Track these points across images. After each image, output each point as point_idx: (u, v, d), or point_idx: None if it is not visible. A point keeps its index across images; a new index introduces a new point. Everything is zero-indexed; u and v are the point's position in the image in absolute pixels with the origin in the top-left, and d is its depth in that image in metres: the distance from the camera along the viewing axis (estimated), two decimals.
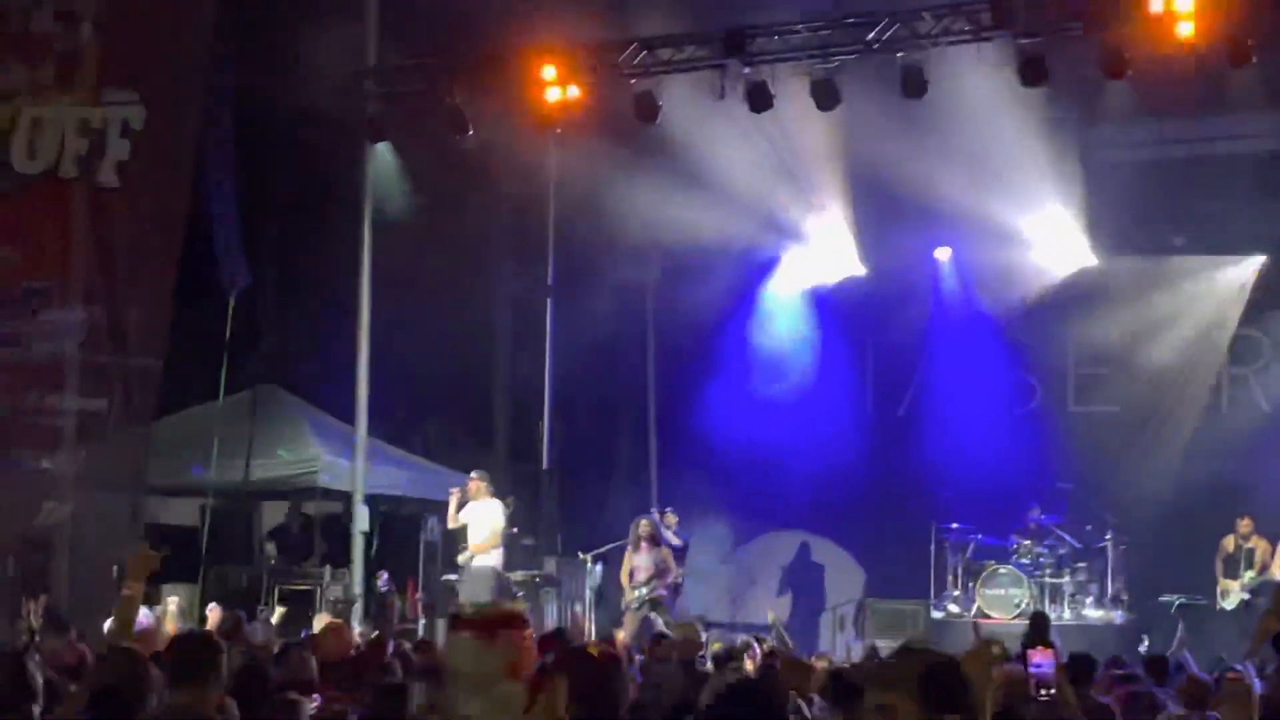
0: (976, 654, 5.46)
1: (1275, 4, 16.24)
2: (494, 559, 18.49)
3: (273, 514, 20.78)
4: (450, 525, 18.93)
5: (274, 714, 6.72)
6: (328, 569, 18.88)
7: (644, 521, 19.03)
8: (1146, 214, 20.25)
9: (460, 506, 18.64)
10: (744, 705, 7.09)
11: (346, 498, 19.79)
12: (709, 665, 11.57)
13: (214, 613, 14.97)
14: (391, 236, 19.94)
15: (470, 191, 21.29)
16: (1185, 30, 16.03)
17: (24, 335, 18.18)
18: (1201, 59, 16.50)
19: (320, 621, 14.27)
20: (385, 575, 19.23)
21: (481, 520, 18.51)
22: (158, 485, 19.24)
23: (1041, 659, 5.75)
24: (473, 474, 18.90)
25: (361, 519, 19.41)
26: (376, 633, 12.55)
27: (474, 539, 18.47)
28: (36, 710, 6.18)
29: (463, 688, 3.65)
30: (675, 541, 20.03)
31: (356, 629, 12.30)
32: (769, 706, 7.21)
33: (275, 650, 11.59)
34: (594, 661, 5.26)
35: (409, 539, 20.66)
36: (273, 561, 19.74)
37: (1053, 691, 5.74)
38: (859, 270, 22.61)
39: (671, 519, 20.25)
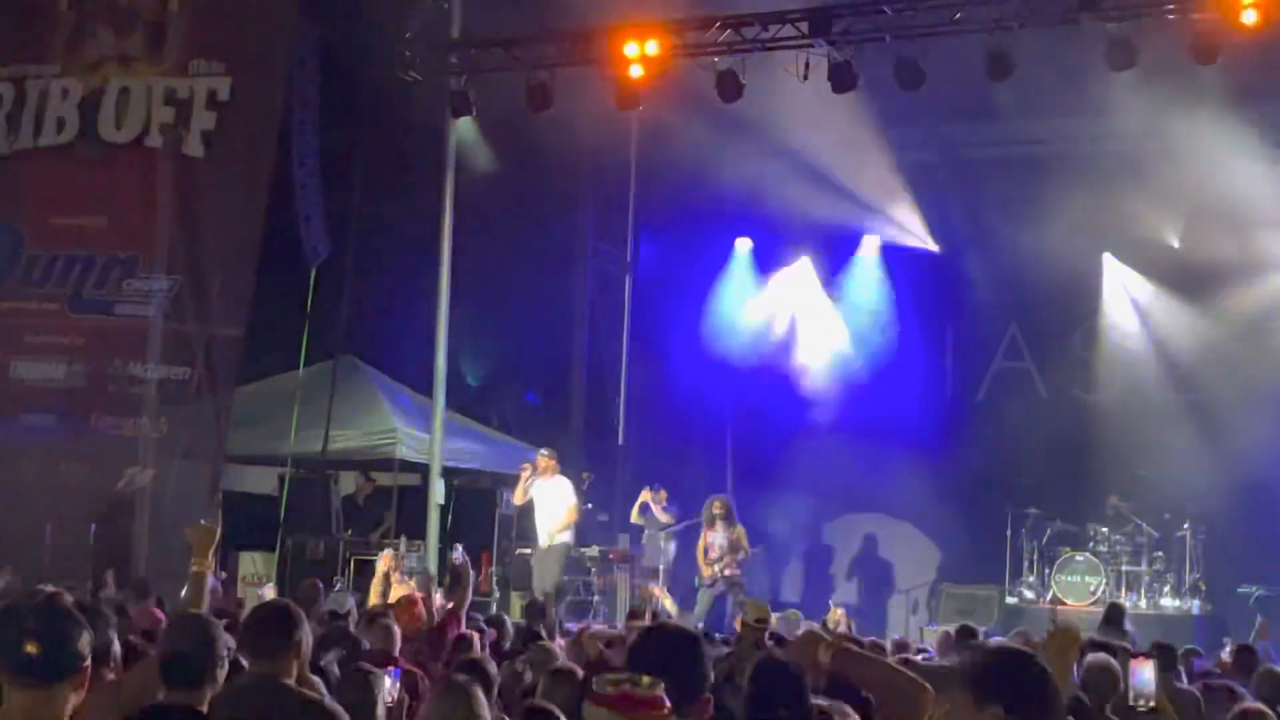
0: (1056, 638, 5.45)
1: None
2: (567, 536, 18.55)
3: (349, 485, 20.92)
4: (517, 501, 18.98)
5: (349, 685, 6.71)
6: (402, 540, 18.98)
7: (717, 500, 18.93)
8: (1231, 202, 19.97)
9: (529, 483, 18.71)
10: (778, 686, 6.83)
11: (423, 470, 19.86)
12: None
13: (270, 592, 15.07)
14: (472, 210, 19.99)
15: (552, 167, 21.31)
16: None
17: (109, 303, 18.39)
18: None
19: (395, 593, 14.35)
20: (460, 548, 19.25)
21: (549, 498, 18.54)
22: (237, 454, 19.42)
23: (1144, 670, 5.74)
24: (542, 451, 18.91)
25: (438, 492, 19.49)
26: (451, 605, 12.60)
27: (545, 516, 18.51)
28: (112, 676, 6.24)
29: None
30: (664, 518, 20.13)
31: (437, 599, 12.33)
32: (800, 691, 6.89)
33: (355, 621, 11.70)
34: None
35: (484, 512, 20.70)
36: (348, 532, 19.88)
37: (1153, 704, 5.72)
38: (939, 254, 22.49)
39: (662, 495, 20.31)
